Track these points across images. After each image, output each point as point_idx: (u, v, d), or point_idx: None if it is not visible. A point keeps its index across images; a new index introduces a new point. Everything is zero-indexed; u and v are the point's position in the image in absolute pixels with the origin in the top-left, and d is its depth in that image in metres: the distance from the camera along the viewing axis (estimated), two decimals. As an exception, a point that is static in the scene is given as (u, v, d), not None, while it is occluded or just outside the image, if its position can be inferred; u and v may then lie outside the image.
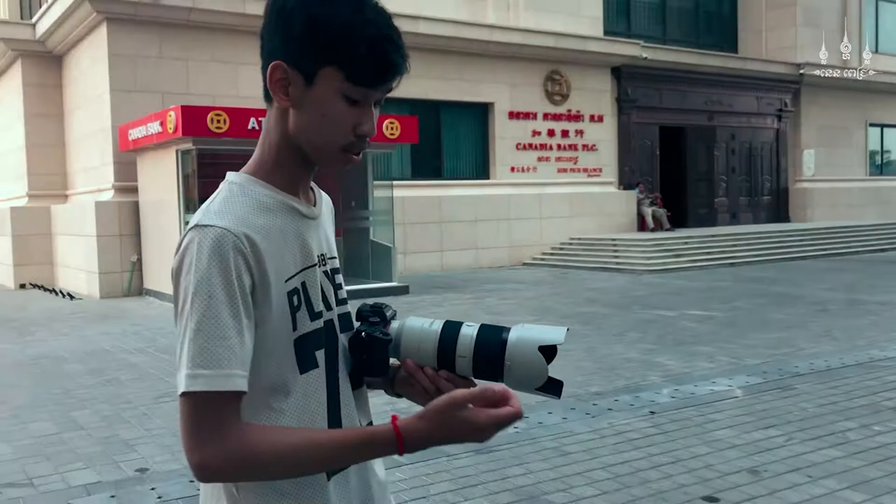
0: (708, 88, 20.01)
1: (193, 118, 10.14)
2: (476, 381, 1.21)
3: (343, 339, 1.26)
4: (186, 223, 10.76)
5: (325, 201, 1.33)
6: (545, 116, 17.44)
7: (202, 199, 10.46)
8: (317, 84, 1.12)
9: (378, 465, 1.32)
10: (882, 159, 25.10)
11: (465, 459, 4.25)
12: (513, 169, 17.08)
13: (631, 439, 4.56)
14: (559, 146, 17.68)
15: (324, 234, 1.27)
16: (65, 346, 8.23)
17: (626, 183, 18.59)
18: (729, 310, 9.62)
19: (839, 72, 21.28)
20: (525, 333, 1.17)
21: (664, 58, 19.08)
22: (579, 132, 17.92)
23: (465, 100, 16.45)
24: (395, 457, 1.11)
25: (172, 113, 10.28)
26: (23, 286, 14.31)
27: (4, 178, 16.90)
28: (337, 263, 1.30)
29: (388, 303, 1.27)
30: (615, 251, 15.93)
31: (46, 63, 14.98)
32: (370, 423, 1.30)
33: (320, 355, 1.19)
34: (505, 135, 16.93)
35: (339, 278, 1.30)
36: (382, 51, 1.11)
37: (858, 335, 7.73)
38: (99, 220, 12.24)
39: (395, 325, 1.24)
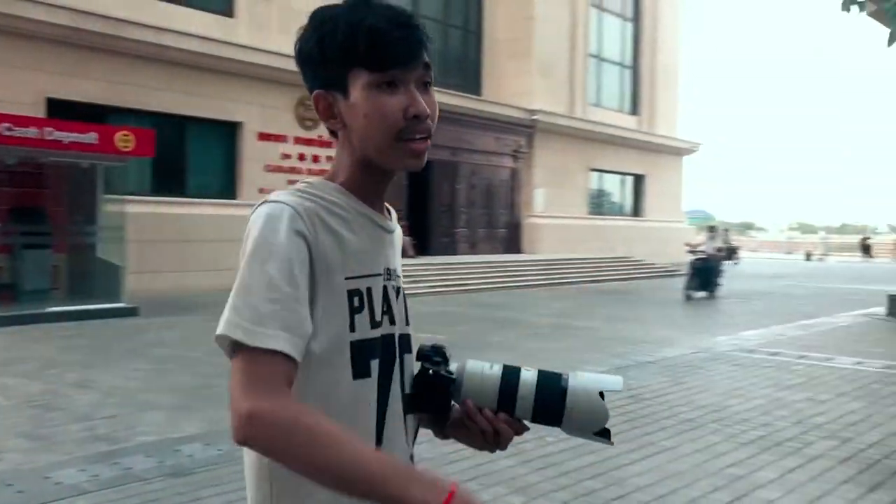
0: (452, 126, 21.28)
1: None
2: (531, 424, 1.24)
3: (407, 359, 1.25)
4: None
5: (397, 226, 1.33)
6: (296, 140, 17.56)
7: None
8: (351, 91, 1.16)
9: None
10: (600, 200, 28.18)
11: (157, 483, 4.21)
12: (262, 190, 16.90)
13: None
14: (310, 171, 17.83)
15: (394, 252, 1.28)
16: None
17: (374, 210, 19.14)
18: (452, 332, 10.28)
19: (565, 119, 23.61)
20: (585, 380, 1.20)
21: (413, 93, 20.02)
22: (330, 158, 18.11)
23: (213, 117, 16.11)
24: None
25: None
26: None
27: None
28: (401, 284, 1.29)
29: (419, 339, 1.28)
30: (359, 276, 16.33)
31: None
32: (411, 455, 1.27)
33: (374, 365, 1.18)
34: (254, 156, 16.79)
35: (405, 299, 1.29)
36: (388, 30, 1.14)
37: (556, 356, 8.65)
38: None
39: (454, 366, 1.24)
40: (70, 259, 11.98)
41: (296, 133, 17.52)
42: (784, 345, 9.72)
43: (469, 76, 24.35)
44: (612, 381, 1.21)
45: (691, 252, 17.34)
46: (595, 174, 27.40)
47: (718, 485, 4.41)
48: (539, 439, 5.20)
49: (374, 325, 1.17)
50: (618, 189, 29.41)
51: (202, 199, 15.98)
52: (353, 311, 1.14)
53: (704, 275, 16.53)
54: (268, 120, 16.96)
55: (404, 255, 14.05)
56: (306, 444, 1.00)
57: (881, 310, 13.67)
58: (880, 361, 8.52)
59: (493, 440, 1.22)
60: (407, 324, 1.27)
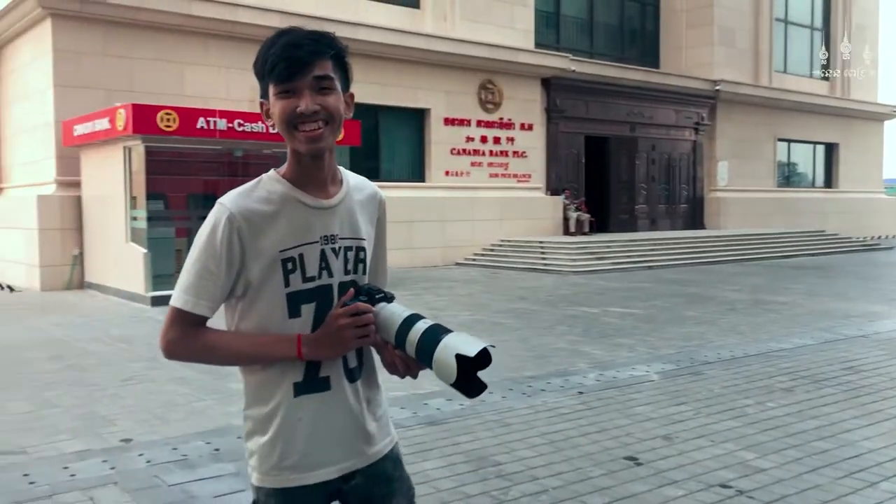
0: (630, 101, 21.12)
1: (144, 116, 10.39)
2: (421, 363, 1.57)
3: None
4: (133, 218, 10.88)
5: (358, 192, 1.75)
6: (478, 123, 18.17)
7: (149, 196, 10.67)
8: (271, 99, 1.64)
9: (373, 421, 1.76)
10: (788, 172, 26.85)
11: (418, 430, 4.83)
12: (447, 173, 17.73)
13: (562, 413, 5.23)
14: (491, 152, 18.43)
15: (339, 219, 1.68)
16: (17, 335, 8.43)
17: (553, 189, 19.51)
18: (647, 308, 10.47)
19: (750, 88, 22.66)
20: (452, 341, 1.48)
21: (590, 70, 20.09)
22: (510, 139, 18.71)
23: (402, 105, 17.03)
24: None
25: (122, 111, 10.50)
26: (-45, 279, 14.15)
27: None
28: (353, 244, 1.70)
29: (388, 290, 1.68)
30: (542, 253, 16.75)
31: (-20, 55, 14.84)
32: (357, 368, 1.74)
33: (307, 308, 1.64)
34: (440, 140, 17.58)
35: (350, 255, 1.69)
36: (280, 55, 1.59)
37: (760, 330, 8.64)
38: (41, 213, 12.31)
39: (379, 305, 1.62)
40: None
41: (478, 116, 18.13)
42: None
43: (647, 49, 23.98)
44: (470, 348, 1.45)
45: None
46: (783, 144, 26.15)
47: (956, 451, 4.43)
48: (759, 404, 5.40)
49: (307, 279, 1.63)
50: (808, 159, 27.88)
51: (394, 182, 16.97)
52: (287, 272, 1.61)
53: None
54: (452, 105, 17.68)
55: (581, 231, 14.37)
56: (209, 355, 1.66)
57: None
58: None
59: (396, 369, 1.63)
60: (350, 273, 1.69)
